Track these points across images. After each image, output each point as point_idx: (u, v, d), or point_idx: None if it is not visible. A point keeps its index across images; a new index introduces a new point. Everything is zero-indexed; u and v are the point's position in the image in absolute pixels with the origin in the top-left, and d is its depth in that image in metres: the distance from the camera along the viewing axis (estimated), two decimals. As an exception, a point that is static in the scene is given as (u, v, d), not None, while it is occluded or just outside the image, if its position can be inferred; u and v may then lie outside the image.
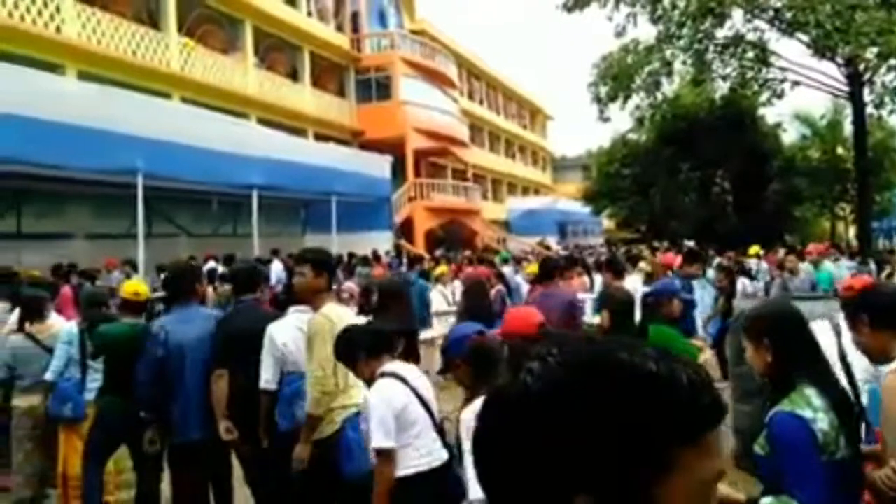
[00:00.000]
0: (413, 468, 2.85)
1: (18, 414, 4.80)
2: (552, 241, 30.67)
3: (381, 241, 18.47)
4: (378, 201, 19.69)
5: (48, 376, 4.67)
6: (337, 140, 22.37)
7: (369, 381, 3.02)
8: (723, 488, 1.96)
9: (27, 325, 4.89)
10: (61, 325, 4.92)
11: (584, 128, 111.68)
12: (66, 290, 8.27)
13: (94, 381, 4.60)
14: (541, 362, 0.67)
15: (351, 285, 9.11)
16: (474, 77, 37.83)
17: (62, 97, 10.43)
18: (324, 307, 3.58)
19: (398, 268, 14.32)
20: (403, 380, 2.93)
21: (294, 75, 23.81)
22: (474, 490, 2.36)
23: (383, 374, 2.94)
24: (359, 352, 3.03)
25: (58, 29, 14.96)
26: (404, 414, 2.86)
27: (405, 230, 23.27)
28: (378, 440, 2.78)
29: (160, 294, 4.78)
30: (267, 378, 3.75)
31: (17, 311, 5.19)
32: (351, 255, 14.90)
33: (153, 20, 18.36)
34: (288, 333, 3.79)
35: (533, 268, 10.10)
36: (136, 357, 3.99)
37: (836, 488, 1.98)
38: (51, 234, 13.92)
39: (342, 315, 3.62)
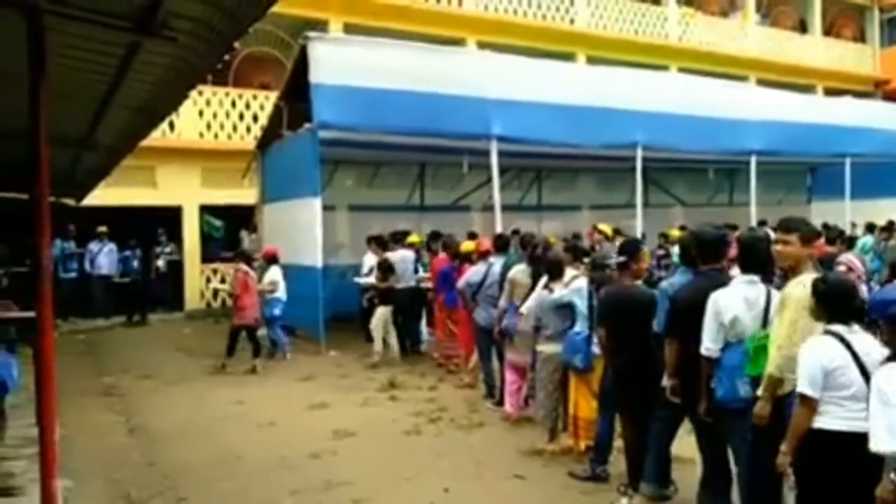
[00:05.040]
0: (833, 426, 3.09)
1: (542, 359, 5.66)
2: None
3: (911, 209, 15.41)
4: (909, 161, 16.40)
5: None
6: (853, 93, 19.50)
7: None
8: None
9: (549, 283, 5.70)
10: (579, 282, 5.56)
11: None
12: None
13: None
14: None
15: (850, 258, 8.00)
16: None
17: (574, 82, 11.72)
18: (803, 276, 3.50)
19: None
20: (847, 343, 3.12)
21: (802, 27, 21.63)
22: (876, 441, 2.77)
23: (827, 332, 3.19)
24: (824, 307, 3.25)
25: (571, 21, 16.79)
26: (834, 374, 3.09)
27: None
28: (802, 385, 3.15)
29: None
30: (708, 345, 3.78)
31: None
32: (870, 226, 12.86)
33: (653, -5, 18.95)
34: (735, 302, 3.72)
35: None
36: (643, 316, 4.41)
37: None
38: (563, 206, 15.90)
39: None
